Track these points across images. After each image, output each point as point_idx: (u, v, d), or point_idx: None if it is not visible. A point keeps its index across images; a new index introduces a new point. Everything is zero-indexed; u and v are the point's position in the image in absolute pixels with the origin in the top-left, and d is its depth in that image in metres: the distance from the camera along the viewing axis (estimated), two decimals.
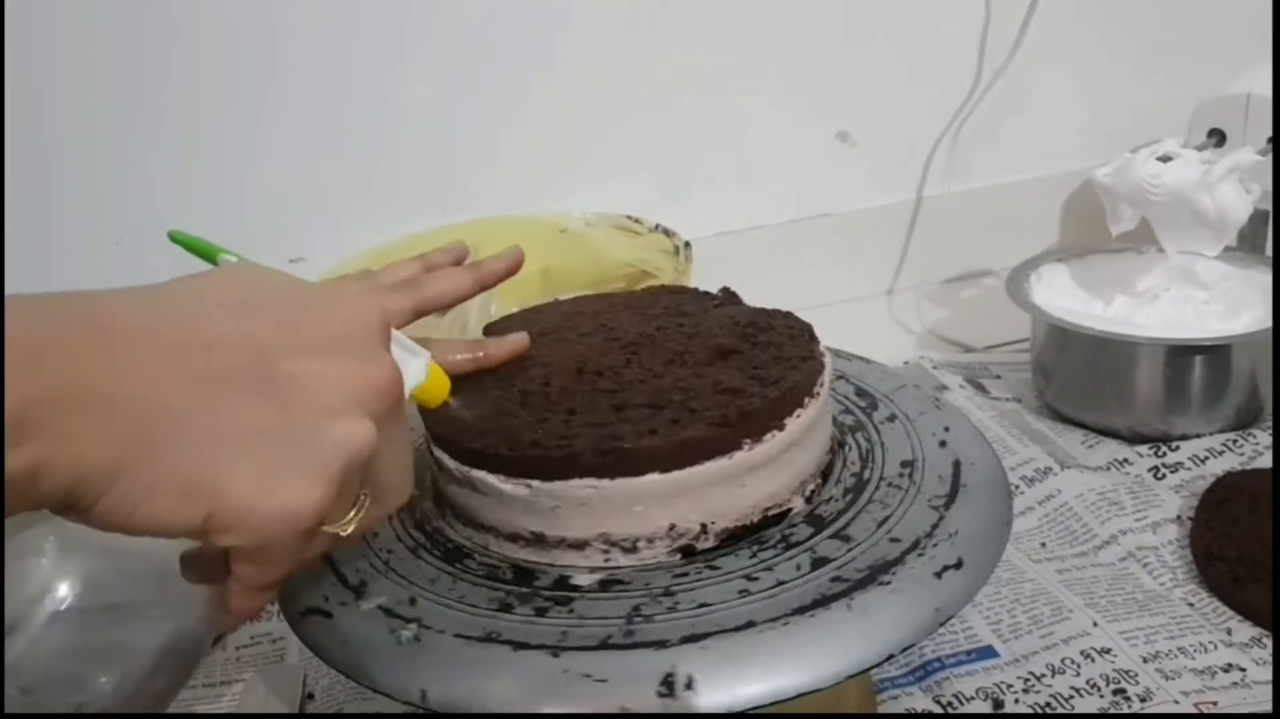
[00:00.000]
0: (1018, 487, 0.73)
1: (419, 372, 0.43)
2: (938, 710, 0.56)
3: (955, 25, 1.01)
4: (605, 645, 0.41)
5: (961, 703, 0.56)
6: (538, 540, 0.46)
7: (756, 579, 0.44)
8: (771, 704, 0.39)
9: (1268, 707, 0.53)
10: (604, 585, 0.45)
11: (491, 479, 0.45)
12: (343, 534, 0.37)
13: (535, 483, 0.44)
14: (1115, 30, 1.04)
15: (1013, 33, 1.00)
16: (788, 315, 0.53)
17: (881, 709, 0.56)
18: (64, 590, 0.36)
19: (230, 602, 0.37)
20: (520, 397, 0.48)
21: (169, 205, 0.87)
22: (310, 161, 0.93)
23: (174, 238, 0.54)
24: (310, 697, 0.61)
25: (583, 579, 0.45)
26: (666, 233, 0.89)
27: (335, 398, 0.34)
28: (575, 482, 0.44)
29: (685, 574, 0.45)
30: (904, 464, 0.51)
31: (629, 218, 0.93)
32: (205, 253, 0.49)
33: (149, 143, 0.90)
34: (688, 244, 0.87)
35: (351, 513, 0.37)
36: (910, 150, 1.05)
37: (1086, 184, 0.92)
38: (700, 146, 1.00)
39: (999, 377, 0.90)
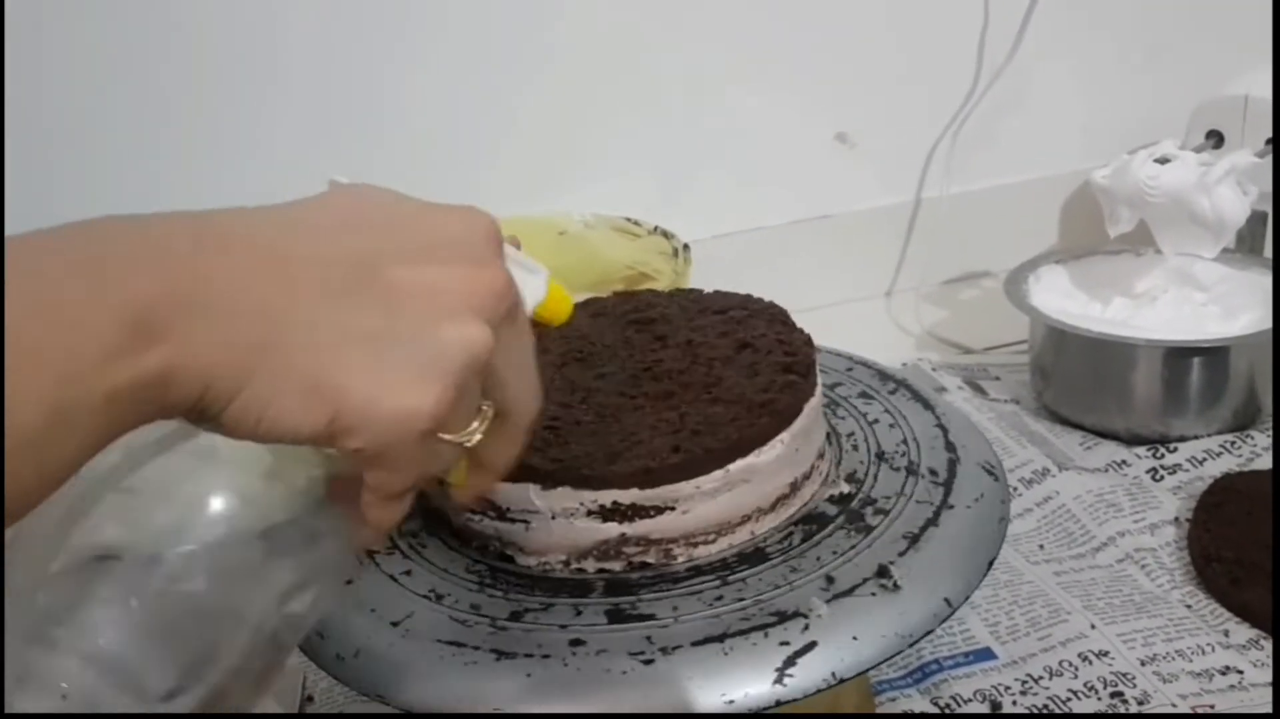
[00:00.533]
0: (1016, 488, 0.73)
1: (539, 289, 0.40)
2: (935, 712, 0.56)
3: (954, 27, 1.01)
4: None
5: (959, 705, 0.56)
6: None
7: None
8: None
9: (1266, 709, 0.53)
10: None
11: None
12: (467, 444, 0.37)
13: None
14: (1114, 32, 1.04)
15: (1011, 34, 1.00)
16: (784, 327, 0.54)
17: (880, 711, 0.56)
18: (219, 505, 0.36)
19: (366, 514, 0.37)
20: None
21: (168, 203, 0.87)
22: (309, 161, 0.93)
23: None
24: (309, 699, 0.61)
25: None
26: (665, 235, 0.89)
27: (449, 302, 0.34)
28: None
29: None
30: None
31: (628, 220, 0.93)
32: None
33: (148, 141, 0.89)
34: (686, 246, 0.87)
35: (475, 424, 0.37)
36: (909, 152, 1.05)
37: (1085, 186, 0.92)
38: (700, 148, 1.00)
39: (997, 378, 0.90)
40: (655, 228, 0.90)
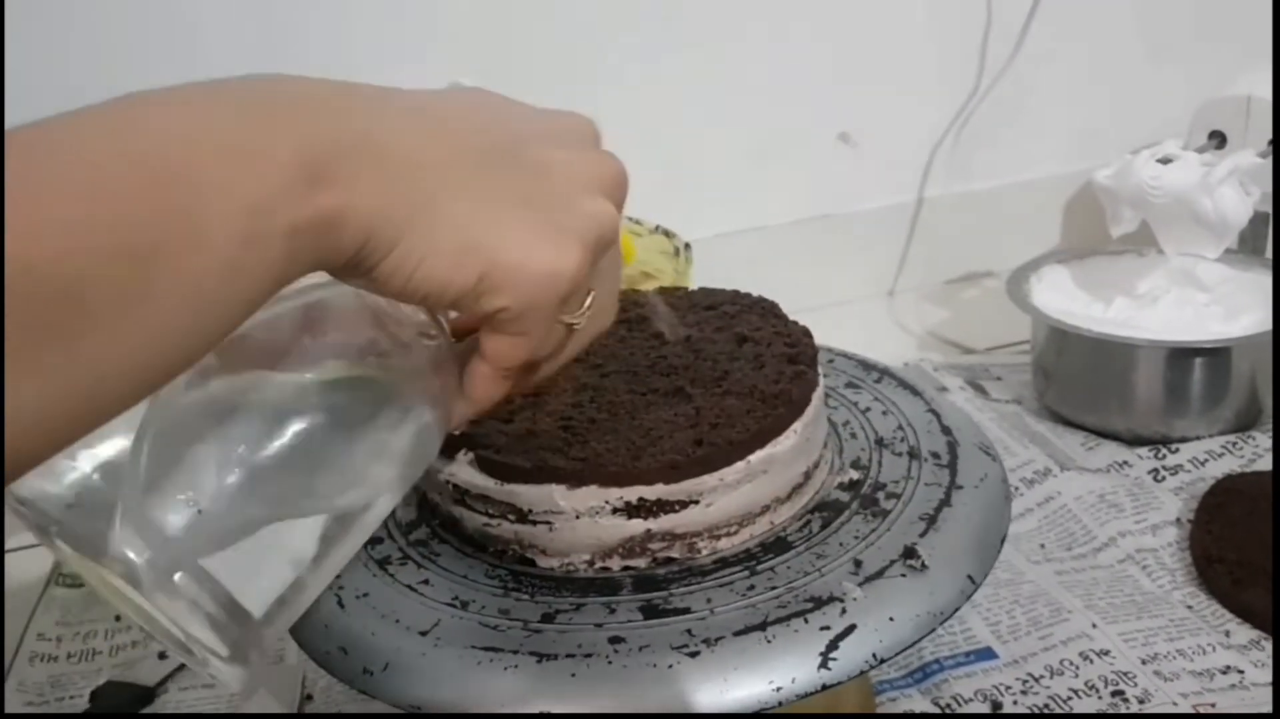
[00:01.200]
0: (1017, 488, 0.73)
1: None
2: (936, 712, 0.56)
3: (957, 26, 1.01)
4: None
5: (960, 705, 0.56)
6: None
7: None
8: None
9: (1266, 708, 0.53)
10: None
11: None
12: (576, 325, 0.39)
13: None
14: (1116, 32, 1.04)
15: (1014, 35, 1.00)
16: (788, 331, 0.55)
17: (880, 711, 0.56)
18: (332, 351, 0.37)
19: (474, 386, 0.39)
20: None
21: None
22: None
23: None
24: (309, 698, 0.62)
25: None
26: (667, 234, 0.89)
27: (585, 179, 0.37)
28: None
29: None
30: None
31: (629, 219, 0.92)
32: None
33: None
34: (688, 245, 0.87)
35: (584, 306, 0.39)
36: (911, 152, 1.05)
37: (1087, 186, 0.92)
38: (701, 147, 1.00)
39: (999, 378, 0.90)
40: (656, 226, 0.90)
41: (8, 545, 0.79)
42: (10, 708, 0.64)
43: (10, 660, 0.68)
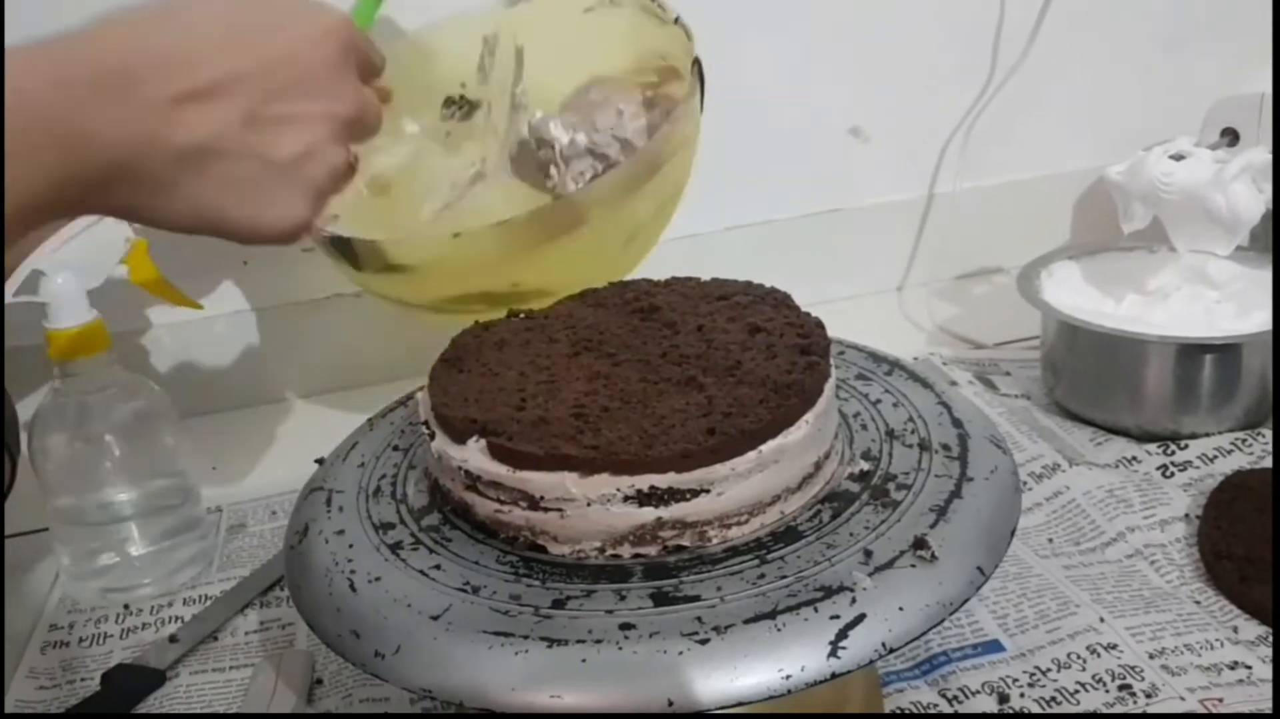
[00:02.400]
0: (1026, 483, 0.73)
1: None
2: (943, 704, 0.56)
3: (969, 22, 1.01)
4: None
5: (967, 697, 0.56)
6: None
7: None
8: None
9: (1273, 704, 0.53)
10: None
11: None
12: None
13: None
14: (1129, 28, 1.04)
15: (1027, 30, 1.00)
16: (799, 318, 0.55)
17: (887, 703, 0.56)
18: None
19: None
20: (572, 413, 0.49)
21: None
22: None
23: None
24: (319, 682, 0.62)
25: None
26: (686, 34, 0.80)
27: (314, 137, 0.45)
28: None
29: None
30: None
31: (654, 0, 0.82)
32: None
33: None
34: (698, 60, 0.80)
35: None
36: (922, 146, 1.05)
37: (1099, 182, 0.92)
38: (712, 140, 1.00)
39: (1009, 373, 0.90)
40: (677, 18, 0.81)
41: (15, 530, 0.79)
42: (22, 693, 0.64)
43: (22, 651, 0.68)
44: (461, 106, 0.82)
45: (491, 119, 0.76)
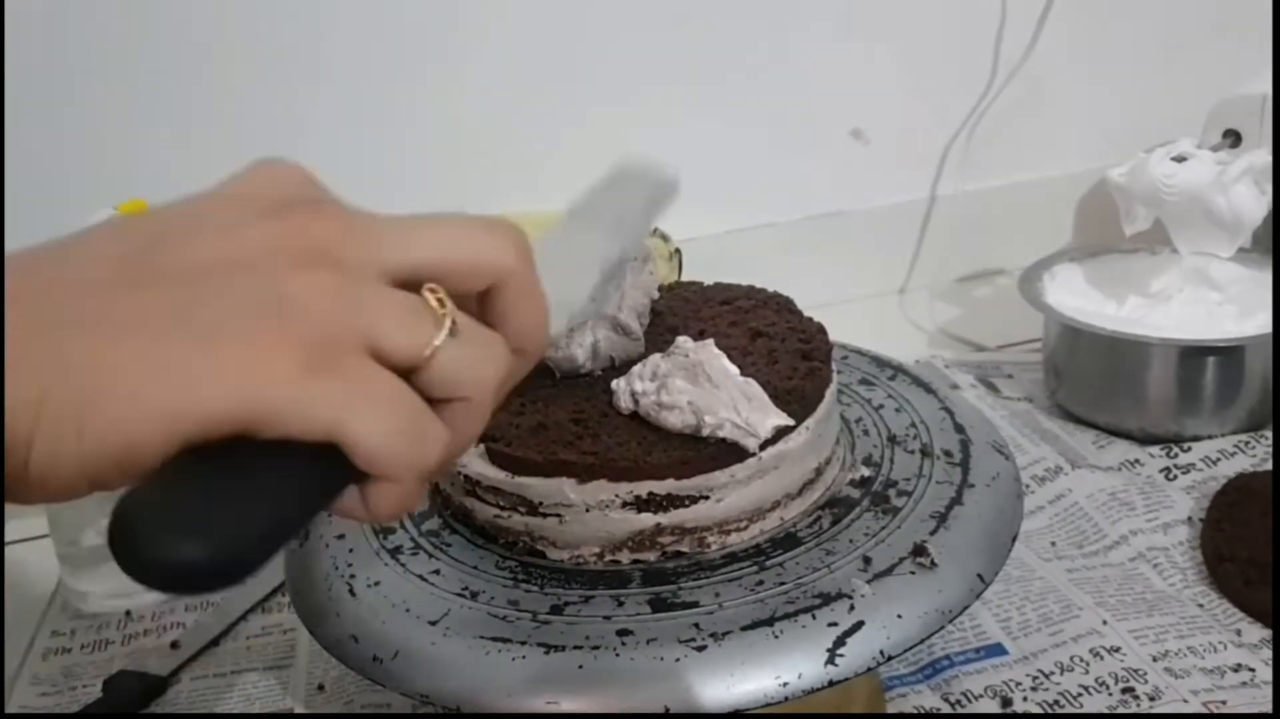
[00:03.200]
0: (1028, 486, 0.73)
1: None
2: (946, 708, 0.56)
3: (970, 23, 1.01)
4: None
5: (970, 701, 0.56)
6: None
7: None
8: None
9: None
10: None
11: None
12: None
13: None
14: (1131, 30, 1.03)
15: (1028, 31, 1.00)
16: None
17: (890, 707, 0.56)
18: None
19: None
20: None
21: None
22: (325, 156, 0.93)
23: None
24: (320, 688, 0.62)
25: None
26: (664, 238, 0.90)
27: (256, 262, 0.29)
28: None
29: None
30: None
31: None
32: None
33: (180, 130, 0.90)
34: (678, 250, 0.88)
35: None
36: (924, 148, 1.05)
37: (1100, 184, 0.92)
38: (713, 143, 1.00)
39: (1011, 376, 0.89)
40: (655, 229, 0.91)
41: (19, 537, 0.79)
42: (23, 698, 0.64)
43: (22, 659, 0.68)
44: None
45: None
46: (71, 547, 0.71)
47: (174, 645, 0.66)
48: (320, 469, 0.27)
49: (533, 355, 0.33)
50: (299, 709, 0.61)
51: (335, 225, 0.29)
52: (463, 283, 0.30)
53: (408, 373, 0.29)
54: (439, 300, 0.29)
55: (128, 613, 0.71)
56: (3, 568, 0.74)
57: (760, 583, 0.45)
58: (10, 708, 0.63)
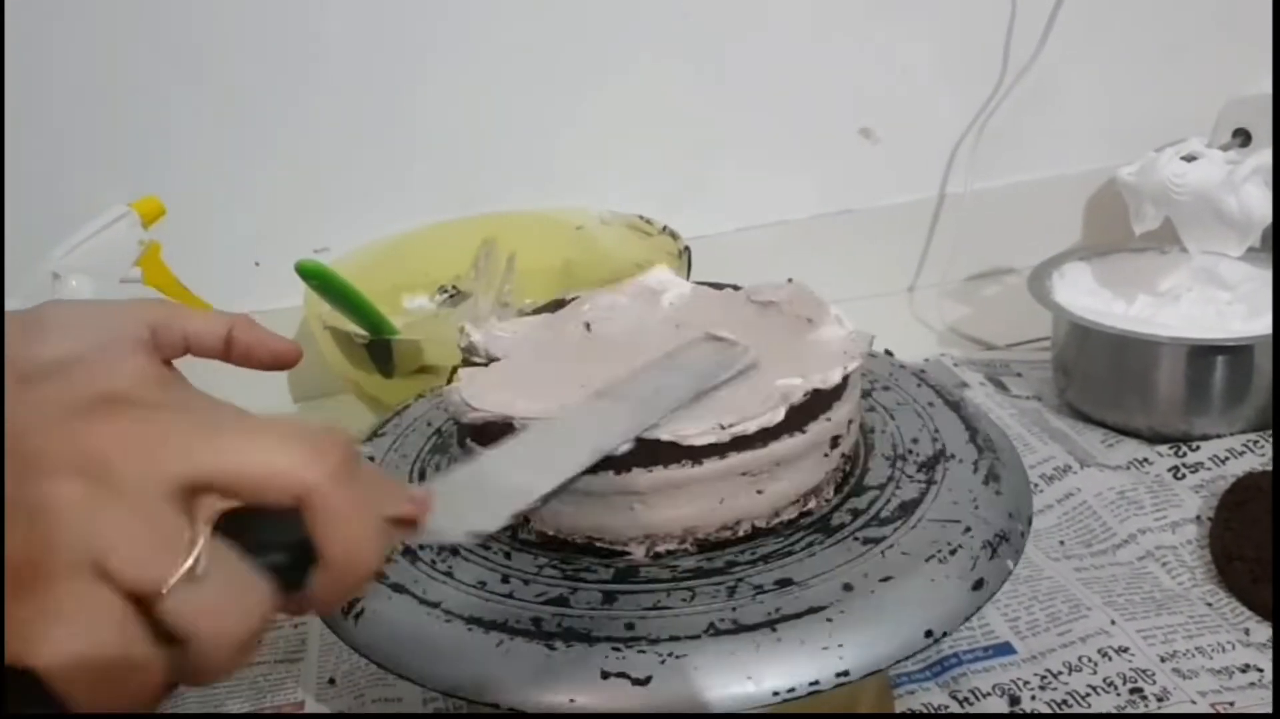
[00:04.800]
0: (1037, 485, 0.73)
1: None
2: (954, 706, 0.56)
3: (980, 22, 1.01)
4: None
5: (978, 699, 0.56)
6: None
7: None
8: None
9: None
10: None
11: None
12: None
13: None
14: (1141, 29, 1.03)
15: (1038, 30, 1.00)
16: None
17: (898, 704, 0.57)
18: None
19: None
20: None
21: (195, 197, 0.88)
22: (335, 154, 0.94)
23: (302, 270, 0.55)
24: (331, 681, 0.62)
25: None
26: (673, 235, 0.91)
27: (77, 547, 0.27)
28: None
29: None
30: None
31: (640, 218, 0.94)
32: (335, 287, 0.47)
33: (175, 132, 0.90)
34: (687, 248, 0.88)
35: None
36: (933, 147, 1.05)
37: (1110, 183, 0.92)
38: (722, 141, 1.00)
39: (1020, 375, 0.90)
40: (664, 228, 0.92)
41: None
42: None
43: None
44: (453, 294, 0.92)
45: (478, 310, 0.85)
46: None
47: None
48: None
49: (349, 582, 0.31)
50: (310, 702, 0.61)
51: (125, 431, 0.28)
52: (258, 499, 0.29)
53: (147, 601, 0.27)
54: (190, 538, 0.28)
55: None
56: (2, 567, 0.74)
57: (761, 585, 0.45)
58: None
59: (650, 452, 0.45)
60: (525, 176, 0.97)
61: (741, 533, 0.47)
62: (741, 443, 0.45)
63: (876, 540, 0.46)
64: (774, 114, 1.00)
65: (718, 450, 0.45)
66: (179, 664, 0.28)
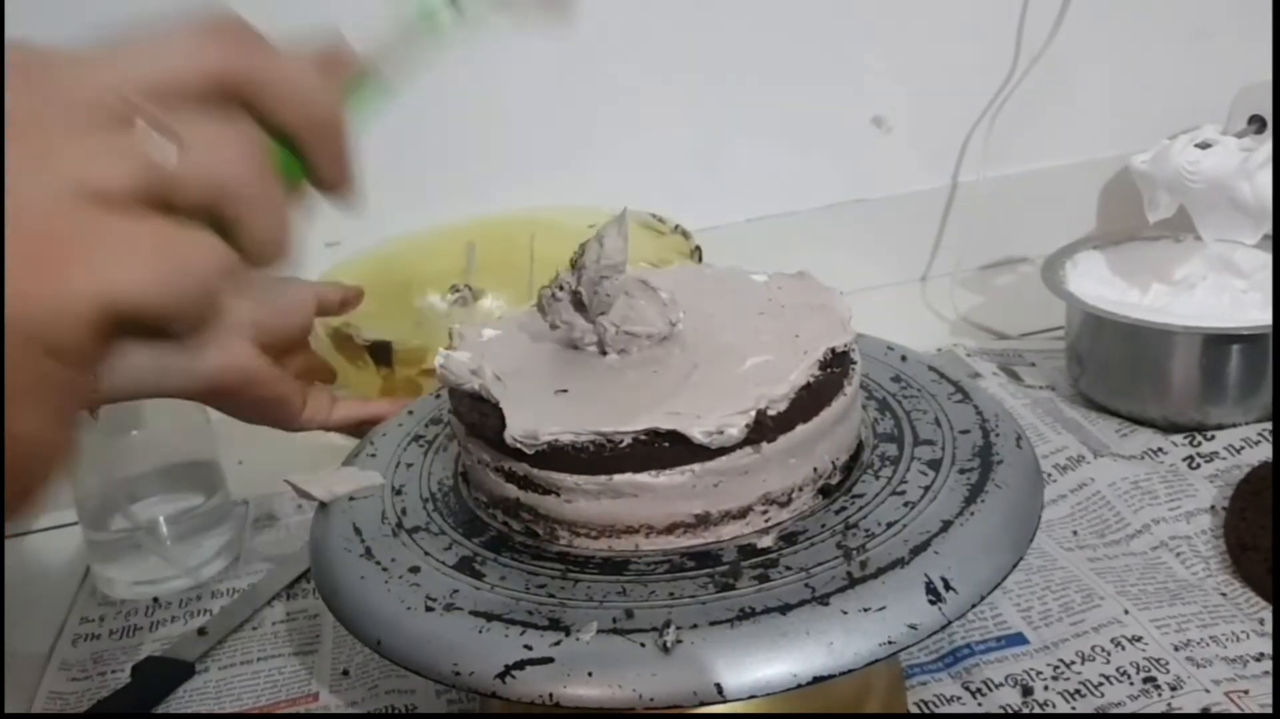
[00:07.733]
0: (1050, 474, 0.73)
1: None
2: (966, 697, 0.56)
3: (993, 9, 1.01)
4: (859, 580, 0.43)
5: (990, 689, 0.56)
6: (701, 522, 0.47)
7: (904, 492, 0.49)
8: None
9: None
10: (786, 539, 0.47)
11: (643, 477, 0.46)
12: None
13: (696, 466, 0.46)
14: (1155, 15, 1.03)
15: (1051, 17, 0.99)
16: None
17: (910, 695, 0.56)
18: None
19: None
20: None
21: None
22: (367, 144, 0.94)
23: None
24: (345, 674, 0.62)
25: (765, 541, 0.46)
26: (684, 234, 0.90)
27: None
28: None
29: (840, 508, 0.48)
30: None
31: (653, 216, 0.94)
32: None
33: None
34: (698, 247, 0.88)
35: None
36: (946, 136, 1.05)
37: (1124, 171, 0.91)
38: (735, 131, 1.00)
39: (1033, 364, 0.89)
40: (676, 227, 0.92)
41: (48, 524, 0.80)
42: (53, 684, 0.65)
43: (53, 644, 0.69)
44: (463, 292, 0.91)
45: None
46: (98, 533, 0.72)
47: (201, 632, 0.67)
48: None
49: (325, 128, 0.32)
50: (324, 694, 0.61)
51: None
52: (187, 92, 0.29)
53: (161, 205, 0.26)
54: (142, 126, 0.27)
55: (155, 600, 0.71)
56: (2, 566, 0.75)
57: (769, 571, 0.45)
58: (40, 693, 0.64)
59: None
60: (538, 174, 0.97)
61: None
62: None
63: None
64: (785, 103, 1.00)
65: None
66: (237, 238, 0.28)
